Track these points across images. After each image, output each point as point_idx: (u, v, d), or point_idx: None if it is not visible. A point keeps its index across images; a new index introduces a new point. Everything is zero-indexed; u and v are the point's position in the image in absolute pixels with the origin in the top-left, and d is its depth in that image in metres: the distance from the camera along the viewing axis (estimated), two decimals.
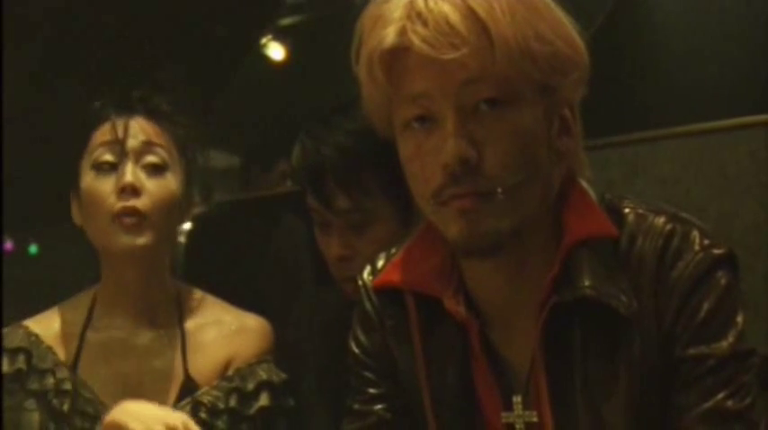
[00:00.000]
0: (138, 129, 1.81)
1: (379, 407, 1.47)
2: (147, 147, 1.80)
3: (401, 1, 1.28)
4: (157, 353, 1.84)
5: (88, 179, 1.81)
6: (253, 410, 1.82)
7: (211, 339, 1.87)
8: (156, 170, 1.80)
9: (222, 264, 2.98)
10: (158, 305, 1.87)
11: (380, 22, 1.30)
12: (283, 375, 1.88)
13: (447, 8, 1.25)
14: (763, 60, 2.85)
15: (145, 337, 1.85)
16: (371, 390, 1.48)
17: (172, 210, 1.82)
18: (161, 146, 1.82)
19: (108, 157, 1.80)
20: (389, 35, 1.28)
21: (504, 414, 1.38)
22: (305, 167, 1.85)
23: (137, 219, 1.76)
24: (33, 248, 3.87)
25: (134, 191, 1.76)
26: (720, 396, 1.28)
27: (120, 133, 1.79)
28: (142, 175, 1.79)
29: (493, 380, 1.38)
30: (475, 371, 1.39)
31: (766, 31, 2.88)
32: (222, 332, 1.88)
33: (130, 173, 1.77)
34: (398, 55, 1.29)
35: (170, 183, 1.81)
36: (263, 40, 4.18)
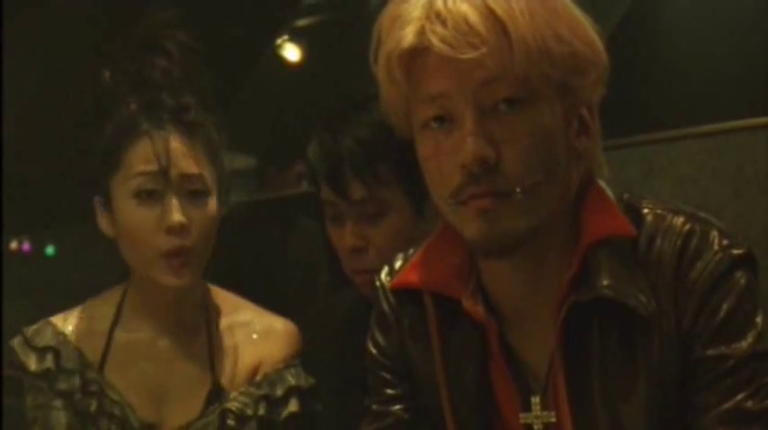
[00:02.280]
0: (179, 155, 1.73)
1: (396, 407, 1.47)
2: (189, 175, 1.73)
3: (420, 1, 1.28)
4: (185, 358, 1.83)
5: (128, 208, 1.74)
6: (282, 417, 1.82)
7: (239, 343, 1.85)
8: (197, 196, 1.74)
9: (238, 264, 2.98)
10: (187, 308, 1.85)
11: (399, 23, 1.30)
12: (311, 380, 1.86)
13: (466, 8, 1.25)
14: None
15: (173, 341, 1.83)
16: (389, 391, 1.48)
17: (214, 233, 1.78)
18: (201, 174, 1.75)
19: (150, 186, 1.72)
20: (408, 35, 1.28)
21: (522, 414, 1.38)
22: (322, 158, 1.85)
23: (184, 258, 1.72)
24: (50, 249, 3.88)
25: (181, 229, 1.71)
26: (740, 396, 1.28)
27: (164, 162, 1.71)
28: (186, 207, 1.72)
29: (511, 380, 1.38)
30: (493, 371, 1.39)
31: None
32: (250, 336, 1.87)
33: (179, 210, 1.71)
34: (417, 55, 1.29)
35: (211, 207, 1.76)
36: (279, 41, 4.19)
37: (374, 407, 1.49)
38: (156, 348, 1.83)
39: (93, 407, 1.78)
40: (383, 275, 1.52)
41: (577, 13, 1.32)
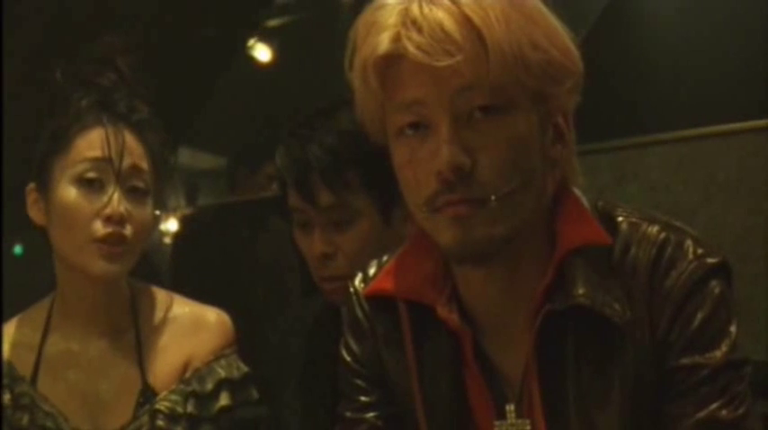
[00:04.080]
0: (130, 149, 1.75)
1: (370, 414, 1.46)
2: (135, 171, 1.75)
3: (396, 7, 1.28)
4: (114, 363, 1.81)
5: (67, 193, 1.73)
6: (213, 411, 1.80)
7: (167, 341, 1.83)
8: (138, 194, 1.75)
9: (208, 267, 2.97)
10: (115, 312, 1.82)
11: (375, 29, 1.29)
12: (244, 368, 1.85)
13: (442, 15, 1.25)
14: (753, 67, 2.85)
15: (102, 347, 1.81)
16: (363, 398, 1.47)
17: (149, 234, 1.80)
18: (146, 170, 1.76)
19: (93, 175, 1.73)
20: (384, 42, 1.27)
21: (496, 422, 1.38)
22: (290, 165, 1.85)
23: (118, 247, 1.72)
24: (18, 249, 3.84)
25: (121, 219, 1.72)
26: (714, 405, 1.28)
27: (114, 153, 1.73)
28: (127, 201, 1.73)
29: (486, 388, 1.38)
30: (467, 379, 1.39)
31: (756, 38, 2.89)
32: (178, 331, 1.84)
33: (120, 201, 1.72)
34: (393, 62, 1.28)
35: (149, 208, 1.77)
36: (250, 41, 4.17)
37: (348, 414, 1.48)
38: (87, 354, 1.81)
39: (25, 420, 1.76)
40: (357, 282, 1.51)
41: (553, 20, 1.32)
